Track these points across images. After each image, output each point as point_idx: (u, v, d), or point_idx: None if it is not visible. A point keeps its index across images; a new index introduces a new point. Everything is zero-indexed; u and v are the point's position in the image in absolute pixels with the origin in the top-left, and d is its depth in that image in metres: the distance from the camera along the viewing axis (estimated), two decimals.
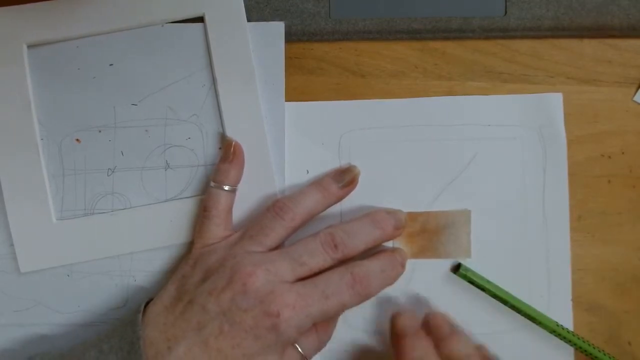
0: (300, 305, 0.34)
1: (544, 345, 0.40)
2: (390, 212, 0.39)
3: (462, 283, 0.40)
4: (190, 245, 0.40)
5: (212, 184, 0.39)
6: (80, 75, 0.41)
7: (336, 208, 0.40)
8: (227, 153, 0.39)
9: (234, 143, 0.39)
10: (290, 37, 0.40)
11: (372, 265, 0.37)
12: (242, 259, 0.35)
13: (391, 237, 0.39)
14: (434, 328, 0.38)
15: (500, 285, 0.40)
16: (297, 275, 0.36)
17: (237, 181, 0.39)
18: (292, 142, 0.41)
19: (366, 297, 0.36)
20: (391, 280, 0.37)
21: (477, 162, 0.40)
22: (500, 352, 0.40)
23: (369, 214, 0.38)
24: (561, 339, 0.39)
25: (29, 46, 0.40)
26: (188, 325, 0.34)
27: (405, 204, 0.40)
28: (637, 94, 0.40)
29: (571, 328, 0.40)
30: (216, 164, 0.40)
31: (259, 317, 0.34)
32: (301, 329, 0.35)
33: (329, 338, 0.38)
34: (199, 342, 0.34)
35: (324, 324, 0.38)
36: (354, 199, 0.40)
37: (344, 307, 0.35)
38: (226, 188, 0.39)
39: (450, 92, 0.41)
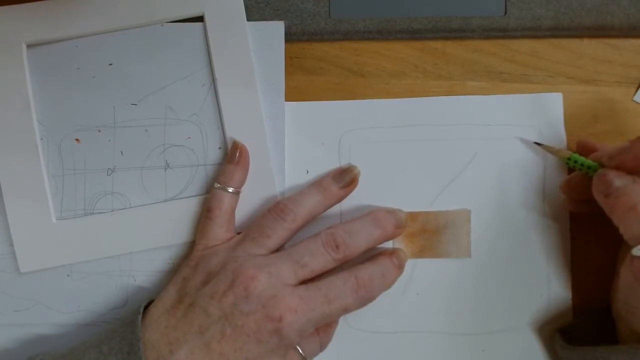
0: (303, 309, 0.34)
1: (543, 345, 0.40)
2: (391, 212, 0.39)
3: (461, 283, 0.40)
4: (190, 245, 0.40)
5: (216, 184, 0.39)
6: (80, 74, 0.40)
7: (336, 208, 0.40)
8: (233, 155, 0.39)
9: (240, 145, 0.39)
10: (290, 37, 0.40)
11: (374, 269, 0.37)
12: (243, 262, 0.35)
13: (392, 237, 0.39)
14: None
15: (500, 285, 0.40)
16: (299, 278, 0.36)
17: (242, 183, 0.39)
18: (292, 142, 0.41)
19: (368, 301, 0.36)
20: (390, 284, 0.38)
21: (477, 162, 0.40)
22: (499, 352, 0.40)
23: (369, 214, 0.38)
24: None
25: (29, 46, 0.40)
26: (190, 328, 0.34)
27: (405, 204, 0.40)
28: (637, 94, 0.40)
29: None
30: (221, 165, 0.40)
31: (262, 321, 0.34)
32: (303, 333, 0.35)
33: (329, 340, 0.38)
34: (201, 346, 0.34)
35: (326, 326, 0.38)
36: (354, 199, 0.40)
37: (346, 311, 0.35)
38: (230, 190, 0.39)
39: (450, 92, 0.41)
